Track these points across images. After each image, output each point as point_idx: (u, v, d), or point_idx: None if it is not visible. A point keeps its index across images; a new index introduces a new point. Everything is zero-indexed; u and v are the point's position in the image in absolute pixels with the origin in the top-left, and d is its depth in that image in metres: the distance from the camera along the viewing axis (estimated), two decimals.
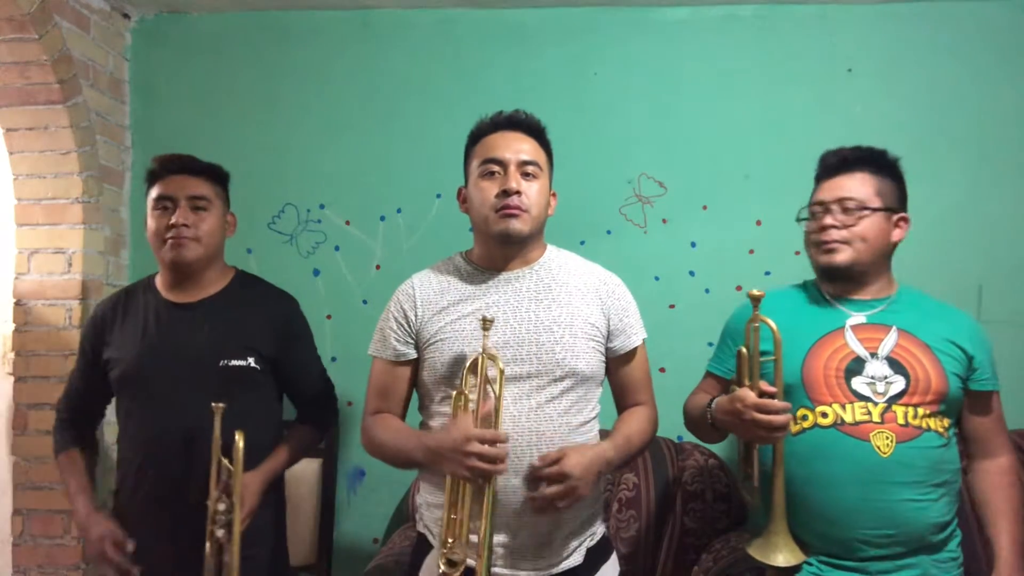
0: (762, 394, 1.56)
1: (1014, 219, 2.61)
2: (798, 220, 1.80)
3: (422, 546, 1.70)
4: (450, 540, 1.52)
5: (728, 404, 1.60)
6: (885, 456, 1.59)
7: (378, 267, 2.81)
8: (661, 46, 2.76)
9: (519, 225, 1.62)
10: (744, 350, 1.59)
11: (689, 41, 2.75)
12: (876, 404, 1.62)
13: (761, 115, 2.71)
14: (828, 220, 1.71)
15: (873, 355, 1.66)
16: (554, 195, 1.75)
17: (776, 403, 1.54)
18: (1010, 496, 1.69)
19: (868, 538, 1.59)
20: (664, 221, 2.74)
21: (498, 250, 1.68)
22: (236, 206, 2.11)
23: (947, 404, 1.65)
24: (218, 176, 2.04)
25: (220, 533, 1.79)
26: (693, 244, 2.72)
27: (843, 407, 1.63)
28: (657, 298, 2.68)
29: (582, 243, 2.65)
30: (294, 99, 2.84)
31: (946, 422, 1.65)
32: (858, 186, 1.71)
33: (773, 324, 1.58)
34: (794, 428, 1.64)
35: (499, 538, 1.57)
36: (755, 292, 1.58)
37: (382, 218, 2.81)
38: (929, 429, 1.62)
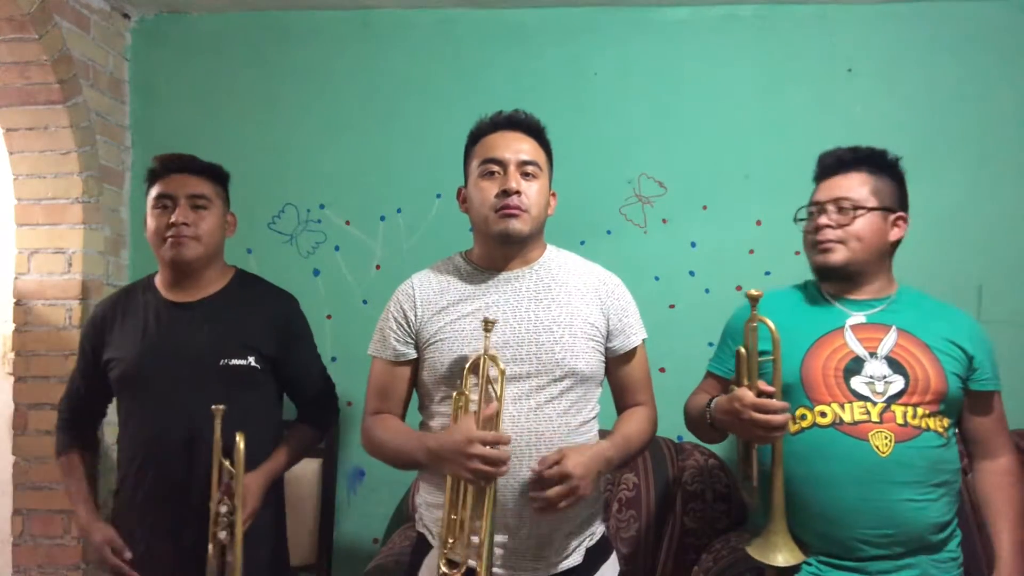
0: (761, 394, 1.55)
1: (1014, 219, 2.61)
2: (796, 220, 1.80)
3: (421, 546, 1.70)
4: (450, 540, 1.53)
5: (727, 404, 1.60)
6: (884, 456, 1.59)
7: (378, 267, 2.81)
8: (661, 46, 2.76)
9: (519, 225, 1.62)
10: (743, 350, 1.59)
11: (689, 41, 2.75)
12: (875, 404, 1.62)
13: (761, 115, 2.71)
14: (823, 220, 1.72)
15: (872, 355, 1.66)
16: (554, 195, 1.75)
17: (774, 403, 1.54)
18: (1011, 497, 1.69)
19: (867, 538, 1.59)
20: (664, 221, 2.74)
21: (498, 250, 1.68)
22: (236, 206, 2.11)
23: (947, 404, 1.65)
24: (218, 176, 2.04)
25: (222, 535, 1.79)
26: (693, 244, 2.72)
27: (842, 407, 1.63)
28: (657, 298, 2.68)
29: (582, 243, 2.65)
30: (294, 99, 2.85)
31: (946, 422, 1.65)
32: (854, 186, 1.71)
33: (771, 324, 1.58)
34: (793, 428, 1.64)
35: (498, 538, 1.57)
36: (753, 292, 1.58)
37: (382, 218, 2.81)
38: (928, 429, 1.61)
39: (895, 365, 1.65)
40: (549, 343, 1.62)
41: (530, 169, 1.65)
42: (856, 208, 1.69)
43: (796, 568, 1.62)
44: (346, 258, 2.82)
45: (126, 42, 2.89)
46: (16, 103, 2.59)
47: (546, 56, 2.78)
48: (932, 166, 2.56)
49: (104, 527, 1.95)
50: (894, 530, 1.58)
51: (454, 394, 1.59)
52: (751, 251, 2.69)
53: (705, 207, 2.72)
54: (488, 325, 1.55)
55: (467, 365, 1.58)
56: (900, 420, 1.61)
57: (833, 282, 1.76)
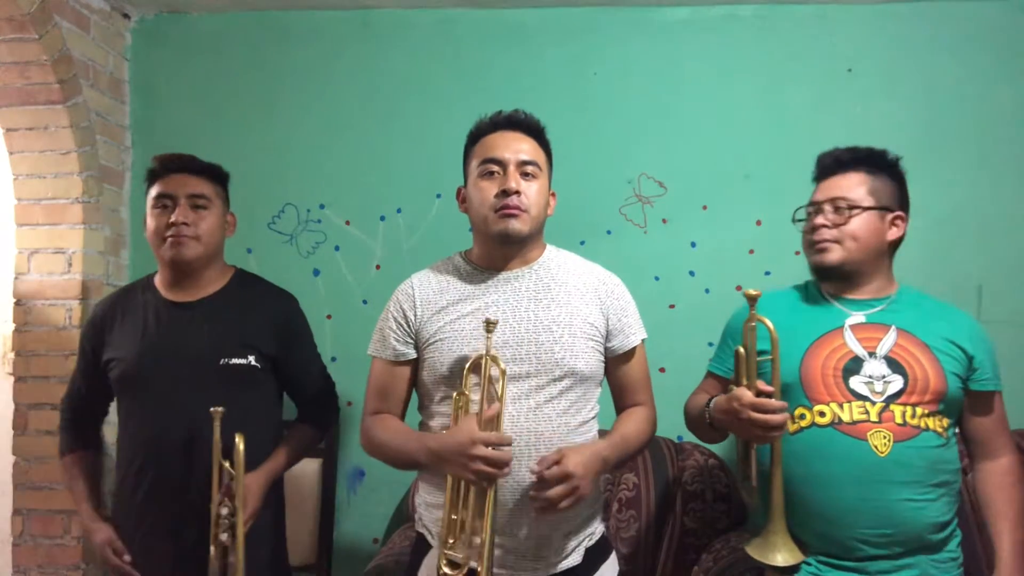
0: (759, 393, 1.56)
1: (1014, 219, 2.60)
2: (794, 221, 1.81)
3: (420, 546, 1.70)
4: (451, 540, 1.52)
5: (725, 403, 1.60)
6: (882, 455, 1.59)
7: (378, 267, 2.81)
8: (661, 46, 2.76)
9: (518, 225, 1.62)
10: (742, 349, 1.60)
11: (689, 41, 2.75)
12: (874, 403, 1.62)
13: (761, 115, 2.71)
14: (819, 220, 1.73)
15: (871, 354, 1.66)
16: (553, 195, 1.75)
17: (773, 402, 1.54)
18: (1012, 497, 1.69)
19: (866, 538, 1.59)
20: (664, 221, 2.74)
21: (497, 250, 1.68)
22: (236, 206, 2.11)
23: (946, 404, 1.65)
24: (218, 176, 2.04)
25: (224, 536, 1.79)
26: (693, 244, 2.72)
27: (840, 406, 1.63)
28: (657, 298, 2.68)
29: (582, 243, 2.66)
30: (294, 99, 2.84)
31: (945, 422, 1.65)
32: (850, 186, 1.72)
33: (770, 323, 1.58)
34: (792, 427, 1.65)
35: (498, 538, 1.56)
36: (751, 291, 1.58)
37: (382, 218, 2.81)
38: (927, 429, 1.61)
39: (894, 365, 1.65)
40: (548, 343, 1.62)
41: (530, 169, 1.65)
42: (851, 208, 1.70)
43: (795, 568, 1.62)
44: (346, 258, 2.82)
45: (126, 42, 2.89)
46: (16, 103, 2.59)
47: (546, 56, 2.78)
48: (932, 166, 2.56)
49: (105, 527, 1.96)
50: (893, 530, 1.58)
51: (454, 394, 1.59)
52: (751, 251, 2.69)
53: (705, 207, 2.72)
54: (490, 326, 1.55)
55: (467, 365, 1.58)
56: (899, 420, 1.61)
57: (831, 282, 1.76)
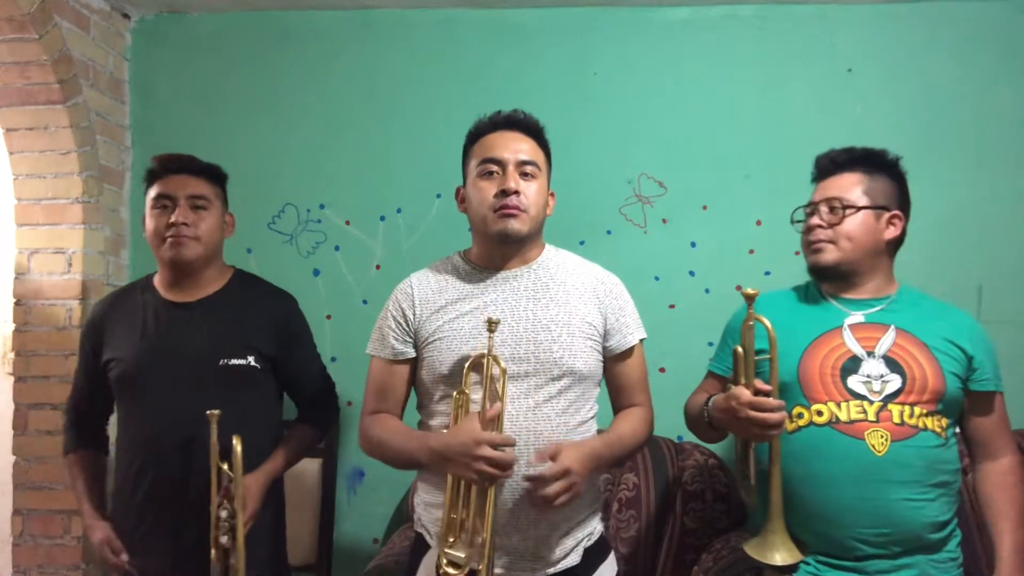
0: (757, 392, 1.56)
1: (1014, 219, 2.60)
2: (793, 222, 1.82)
3: (419, 546, 1.70)
4: (450, 540, 1.52)
5: (724, 402, 1.60)
6: (880, 455, 1.59)
7: (378, 267, 2.81)
8: (661, 46, 2.76)
9: (517, 225, 1.62)
10: (740, 349, 1.60)
11: (689, 41, 2.75)
12: (872, 403, 1.62)
13: (761, 115, 2.71)
14: (814, 220, 1.74)
15: (870, 354, 1.66)
16: (552, 195, 1.75)
17: (770, 401, 1.54)
18: (1013, 497, 1.69)
19: (864, 537, 1.59)
20: (664, 221, 2.74)
21: (496, 250, 1.68)
22: (236, 206, 2.12)
23: (945, 404, 1.65)
24: (217, 176, 2.04)
25: (224, 539, 1.79)
26: (693, 244, 2.72)
27: (838, 405, 1.63)
28: (657, 298, 2.68)
29: (582, 243, 2.66)
30: (294, 99, 2.84)
31: (944, 422, 1.65)
32: (846, 186, 1.73)
33: (768, 322, 1.59)
34: (790, 426, 1.65)
35: (496, 538, 1.56)
36: (749, 291, 1.58)
37: (382, 218, 2.81)
38: (926, 428, 1.61)
39: (892, 364, 1.65)
40: (547, 342, 1.62)
41: (529, 169, 1.65)
42: (846, 208, 1.70)
43: (794, 567, 1.62)
44: (346, 258, 2.82)
45: (126, 42, 2.89)
46: (16, 103, 2.59)
47: (546, 56, 2.78)
48: (932, 166, 2.56)
49: (104, 526, 1.96)
50: (891, 529, 1.58)
51: (455, 393, 1.59)
52: (751, 251, 2.69)
53: (705, 207, 2.72)
54: (492, 325, 1.55)
55: (468, 364, 1.58)
56: (897, 419, 1.61)
57: (829, 282, 1.77)
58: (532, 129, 1.70)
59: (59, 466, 2.54)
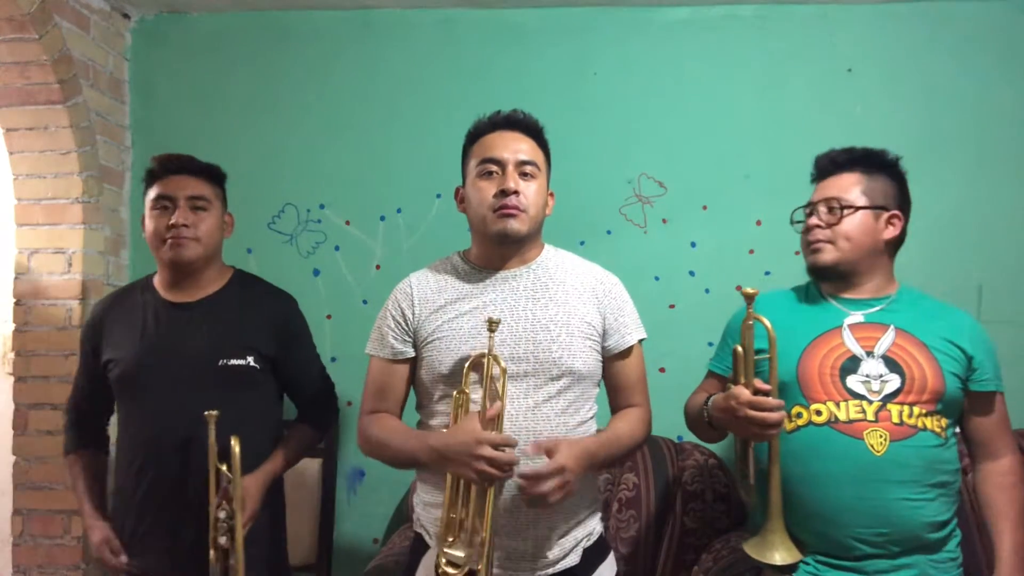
0: (757, 392, 1.56)
1: (1014, 219, 2.60)
2: (792, 223, 1.82)
3: (418, 546, 1.70)
4: (449, 539, 1.52)
5: (723, 402, 1.60)
6: (879, 454, 1.59)
7: (378, 267, 2.81)
8: (661, 46, 2.76)
9: (517, 225, 1.62)
10: (739, 348, 1.60)
11: (689, 41, 2.75)
12: (871, 402, 1.62)
13: (761, 115, 2.71)
14: (813, 220, 1.75)
15: (869, 353, 1.66)
16: (552, 195, 1.75)
17: (770, 400, 1.54)
18: (1013, 498, 1.68)
19: (863, 537, 1.59)
20: (664, 221, 2.74)
21: (495, 250, 1.68)
22: (236, 206, 2.12)
23: (944, 404, 1.64)
24: (216, 176, 2.04)
25: (223, 540, 1.79)
26: (693, 244, 2.72)
27: (837, 405, 1.63)
28: (657, 298, 2.68)
29: (582, 243, 2.66)
30: (294, 99, 2.84)
31: (943, 422, 1.65)
32: (845, 186, 1.73)
33: (767, 322, 1.59)
34: (789, 426, 1.65)
35: (496, 538, 1.56)
36: (748, 290, 1.58)
37: (382, 218, 2.81)
38: (925, 428, 1.61)
39: (892, 364, 1.65)
40: (546, 342, 1.61)
41: (528, 169, 1.65)
42: (844, 208, 1.71)
43: (793, 567, 1.62)
44: (346, 258, 2.82)
45: (126, 42, 2.89)
46: (16, 103, 2.59)
47: (546, 56, 2.78)
48: (932, 166, 2.56)
49: (104, 526, 1.96)
50: (889, 529, 1.58)
51: (455, 393, 1.58)
52: (751, 251, 2.69)
53: (705, 207, 2.72)
54: (493, 325, 1.54)
55: (468, 363, 1.58)
56: (896, 419, 1.60)
57: (828, 282, 1.77)
58: (531, 129, 1.70)
59: (59, 466, 2.54)
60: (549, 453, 1.51)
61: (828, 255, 1.72)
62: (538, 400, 1.60)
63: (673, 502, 2.41)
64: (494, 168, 1.64)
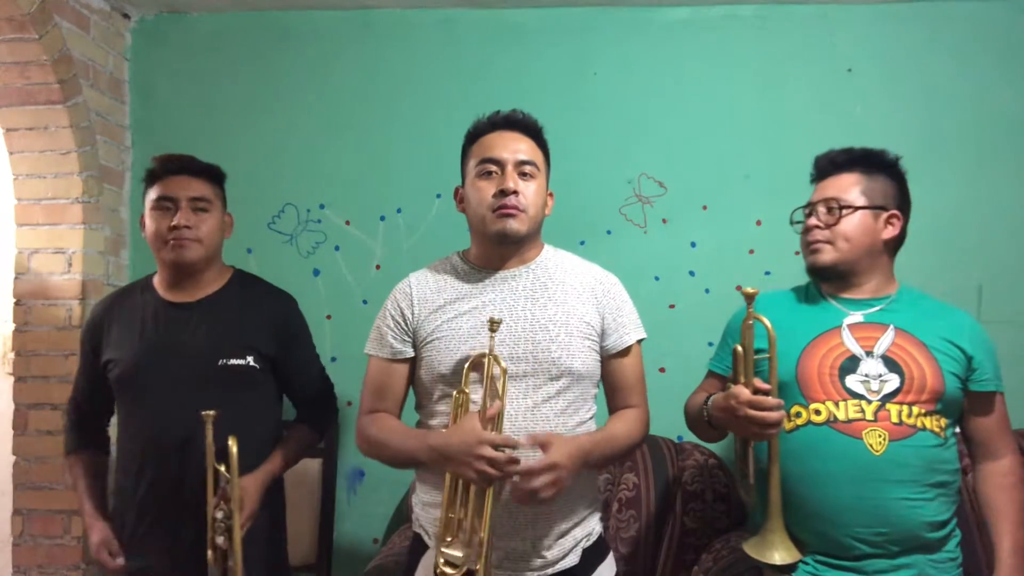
0: (756, 391, 1.56)
1: (1014, 219, 2.60)
2: (792, 223, 1.82)
3: (417, 546, 1.69)
4: (448, 539, 1.52)
5: (723, 401, 1.61)
6: (877, 454, 1.59)
7: (378, 267, 2.81)
8: (661, 46, 2.76)
9: (516, 225, 1.62)
10: (739, 348, 1.60)
11: (689, 41, 2.75)
12: (870, 402, 1.62)
13: (761, 115, 2.71)
14: (812, 221, 1.75)
15: (868, 353, 1.66)
16: (551, 195, 1.74)
17: (769, 400, 1.54)
18: (1013, 498, 1.68)
19: (862, 536, 1.59)
20: (664, 221, 2.74)
21: (495, 249, 1.68)
22: (236, 206, 2.11)
23: (944, 404, 1.64)
24: (217, 177, 2.04)
25: (220, 540, 1.79)
26: (693, 244, 2.72)
27: (836, 404, 1.63)
28: (657, 298, 2.68)
29: (582, 243, 2.66)
30: (294, 99, 2.84)
31: (943, 422, 1.65)
32: (844, 186, 1.73)
33: (767, 322, 1.59)
34: (788, 425, 1.65)
35: (494, 538, 1.55)
36: (748, 289, 1.58)
37: (382, 218, 2.81)
38: (924, 428, 1.61)
39: (891, 364, 1.65)
40: (545, 342, 1.61)
41: (527, 169, 1.65)
42: (843, 208, 1.71)
43: (793, 567, 1.62)
44: (346, 258, 2.82)
45: (126, 42, 2.89)
46: (16, 103, 2.59)
47: (546, 56, 2.78)
48: (932, 166, 2.55)
49: (103, 527, 1.97)
50: (888, 529, 1.58)
51: (455, 392, 1.58)
52: (751, 251, 2.69)
53: (705, 207, 2.72)
54: (494, 325, 1.54)
55: (468, 363, 1.58)
56: (895, 419, 1.60)
57: (828, 282, 1.77)
58: (531, 129, 1.70)
59: (59, 466, 2.55)
60: (544, 447, 1.51)
61: (827, 255, 1.72)
62: (537, 400, 1.60)
63: (673, 502, 2.41)
64: (493, 168, 1.64)
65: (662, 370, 2.57)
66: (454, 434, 1.53)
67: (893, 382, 1.63)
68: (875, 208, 1.72)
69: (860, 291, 1.75)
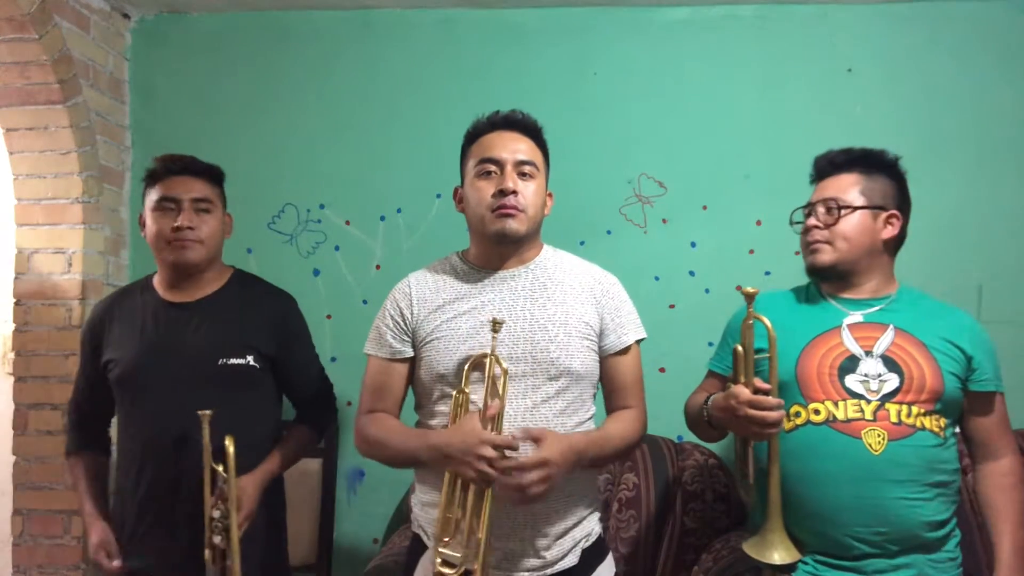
0: (756, 391, 1.56)
1: (1014, 219, 2.60)
2: (791, 223, 1.82)
3: (416, 546, 1.69)
4: (446, 539, 1.52)
5: (723, 401, 1.61)
6: (876, 454, 1.59)
7: (378, 267, 2.81)
8: (661, 46, 2.76)
9: (515, 225, 1.62)
10: (739, 347, 1.60)
11: (689, 41, 2.75)
12: (869, 402, 1.62)
13: (761, 115, 2.71)
14: (811, 221, 1.75)
15: (868, 353, 1.66)
16: (550, 195, 1.74)
17: (769, 399, 1.55)
18: (1013, 498, 1.68)
19: (861, 536, 1.59)
20: (664, 221, 2.74)
21: (494, 249, 1.68)
22: (236, 206, 2.11)
23: (943, 404, 1.64)
24: (217, 177, 2.04)
25: (218, 539, 1.79)
26: (693, 244, 2.72)
27: (835, 404, 1.63)
28: (657, 298, 2.68)
29: (582, 243, 2.66)
30: (294, 99, 2.84)
31: (942, 421, 1.64)
32: (843, 186, 1.74)
33: (767, 321, 1.59)
34: (787, 425, 1.65)
35: (493, 539, 1.55)
36: (748, 289, 1.58)
37: (382, 218, 2.81)
38: (923, 428, 1.61)
39: (890, 364, 1.65)
40: (544, 342, 1.61)
41: (527, 169, 1.65)
42: (842, 208, 1.71)
43: (793, 567, 1.62)
44: (346, 258, 2.82)
45: (126, 42, 2.89)
46: (16, 103, 2.60)
47: (546, 56, 2.78)
48: (932, 166, 2.56)
49: (103, 528, 1.96)
50: (887, 528, 1.58)
51: (455, 392, 1.58)
52: (751, 251, 2.69)
53: (705, 207, 2.72)
54: (496, 325, 1.54)
55: (469, 363, 1.58)
56: (894, 418, 1.60)
57: (827, 282, 1.77)
58: (530, 129, 1.70)
59: (59, 466, 2.55)
60: (536, 441, 1.50)
61: (826, 255, 1.72)
62: (536, 400, 1.60)
63: (673, 502, 2.41)
64: (492, 168, 1.64)
65: (662, 370, 2.57)
66: (455, 433, 1.53)
67: (892, 382, 1.63)
68: (874, 208, 1.72)
69: (860, 291, 1.75)
